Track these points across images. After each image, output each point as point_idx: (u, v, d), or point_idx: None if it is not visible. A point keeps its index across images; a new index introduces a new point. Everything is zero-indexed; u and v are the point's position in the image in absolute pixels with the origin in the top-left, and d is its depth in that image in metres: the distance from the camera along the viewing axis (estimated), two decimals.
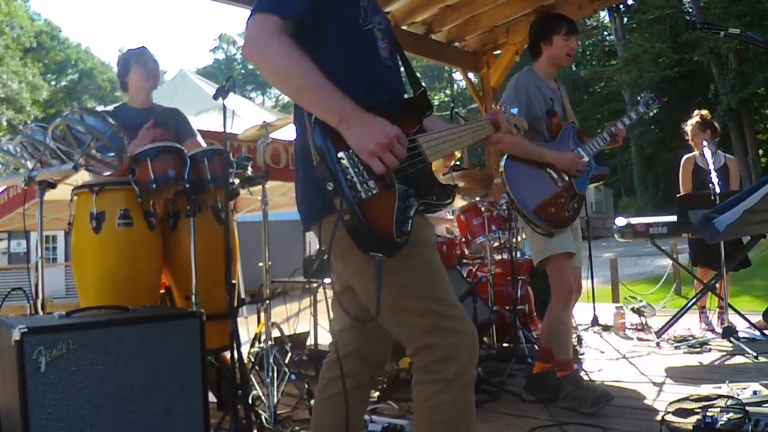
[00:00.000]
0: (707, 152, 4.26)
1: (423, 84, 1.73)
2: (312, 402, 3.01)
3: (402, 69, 1.75)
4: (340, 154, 1.38)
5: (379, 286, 1.42)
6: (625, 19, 31.12)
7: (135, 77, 3.11)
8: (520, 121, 1.97)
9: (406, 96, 1.71)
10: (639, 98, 3.20)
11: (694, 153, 4.91)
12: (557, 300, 2.91)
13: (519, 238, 4.49)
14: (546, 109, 2.93)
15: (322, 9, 1.51)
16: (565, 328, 2.92)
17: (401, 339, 1.56)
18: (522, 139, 2.79)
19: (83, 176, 2.96)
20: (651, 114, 3.58)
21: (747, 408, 2.41)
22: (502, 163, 2.91)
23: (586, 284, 3.33)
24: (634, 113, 3.11)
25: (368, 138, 1.36)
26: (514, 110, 1.98)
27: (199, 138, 3.22)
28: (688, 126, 4.86)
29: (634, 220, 4.67)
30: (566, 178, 2.86)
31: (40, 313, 2.57)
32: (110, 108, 3.30)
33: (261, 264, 3.16)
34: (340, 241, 1.44)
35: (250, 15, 1.46)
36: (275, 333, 3.14)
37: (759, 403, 2.58)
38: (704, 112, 4.91)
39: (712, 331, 4.56)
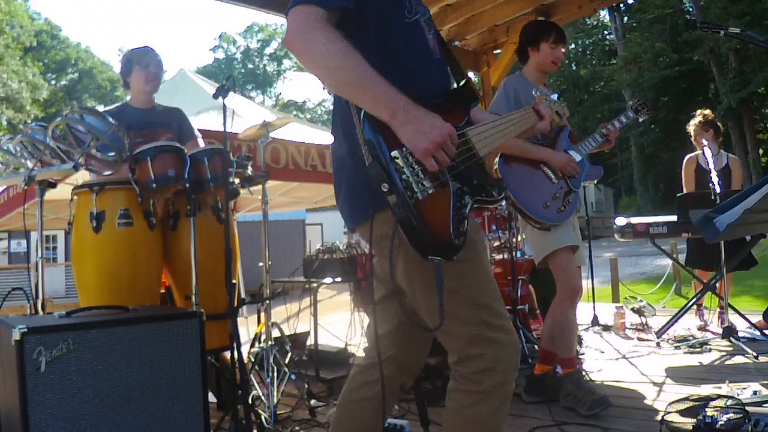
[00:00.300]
0: (707, 152, 4.25)
1: (466, 74, 1.67)
2: (312, 402, 3.02)
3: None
4: (394, 153, 1.32)
5: (441, 291, 1.35)
6: (625, 19, 31.13)
7: (136, 79, 3.10)
8: (562, 108, 1.92)
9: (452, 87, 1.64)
10: (629, 103, 3.26)
11: (696, 153, 4.89)
12: (562, 297, 2.89)
13: (519, 238, 4.48)
14: None
15: (366, 1, 1.44)
16: (570, 326, 2.90)
17: (447, 345, 1.50)
18: (518, 140, 2.80)
19: (83, 176, 2.96)
20: (640, 119, 3.57)
21: (747, 408, 2.41)
22: (496, 162, 2.93)
23: (586, 284, 3.33)
24: (624, 117, 3.17)
25: (422, 136, 1.30)
26: (554, 96, 1.95)
27: (200, 140, 3.22)
28: (691, 126, 4.85)
29: (635, 220, 4.67)
30: (560, 175, 2.88)
31: (40, 313, 2.57)
32: (112, 107, 3.30)
33: (261, 264, 3.16)
34: (385, 241, 1.38)
35: (291, 5, 1.39)
36: (275, 333, 3.14)
37: (759, 403, 2.58)
38: (707, 111, 4.89)
39: (705, 328, 4.56)
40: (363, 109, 1.35)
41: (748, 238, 4.34)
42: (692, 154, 4.95)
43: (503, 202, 4.13)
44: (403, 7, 1.51)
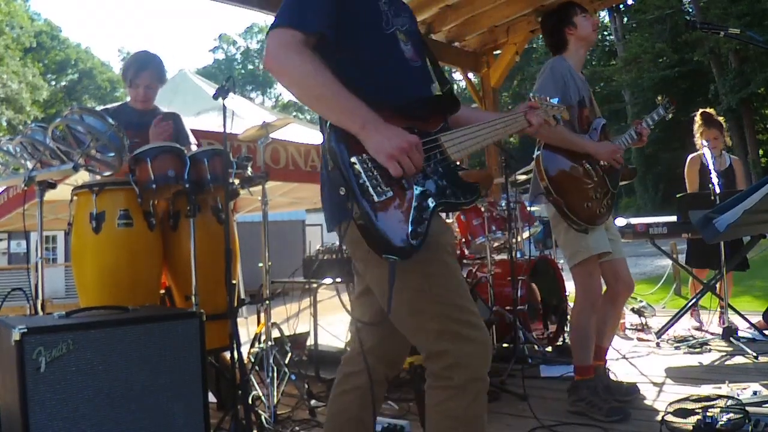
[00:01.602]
0: (707, 152, 4.25)
1: (449, 81, 1.72)
2: (312, 402, 3.02)
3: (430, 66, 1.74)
4: (353, 159, 1.40)
5: (391, 287, 1.42)
6: (625, 19, 31.10)
7: (131, 91, 3.13)
8: (561, 111, 1.92)
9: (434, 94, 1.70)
10: (657, 101, 3.17)
11: (699, 152, 4.84)
12: (586, 305, 2.79)
13: (519, 239, 4.48)
14: (578, 98, 2.84)
15: (342, 19, 1.53)
16: (591, 333, 2.81)
17: (415, 343, 1.56)
18: (562, 127, 2.68)
19: (83, 176, 2.96)
20: (668, 117, 3.52)
21: (747, 408, 2.41)
22: (538, 153, 2.78)
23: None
24: (656, 115, 3.06)
25: (387, 141, 1.38)
26: (555, 100, 1.92)
27: (194, 147, 3.20)
28: (695, 125, 4.81)
29: (634, 220, 4.66)
30: (600, 173, 2.79)
31: (40, 313, 2.57)
32: (111, 107, 3.30)
33: (261, 264, 3.16)
34: (360, 243, 1.44)
35: (271, 27, 1.48)
36: (275, 333, 3.14)
37: (759, 404, 2.58)
38: (709, 110, 4.85)
39: (700, 329, 4.56)
40: (328, 121, 1.44)
41: (747, 238, 4.35)
42: (695, 154, 4.91)
43: (502, 202, 4.15)
44: (381, 20, 1.60)
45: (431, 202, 1.46)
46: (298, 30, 1.45)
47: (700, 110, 4.85)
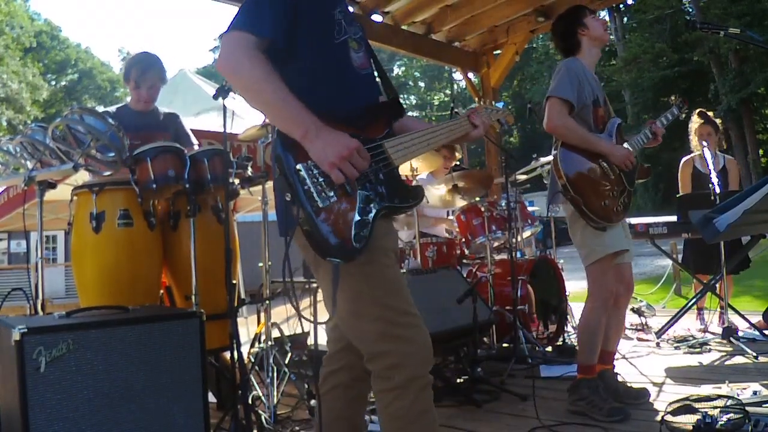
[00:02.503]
0: (707, 153, 4.24)
1: (395, 89, 1.79)
2: (312, 402, 3.02)
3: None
4: (298, 166, 1.45)
5: (335, 289, 1.47)
6: (625, 19, 31.09)
7: (135, 92, 3.14)
8: (505, 115, 1.97)
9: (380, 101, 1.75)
10: (670, 101, 3.18)
11: (692, 155, 4.88)
12: (598, 303, 2.79)
13: (519, 238, 4.48)
14: (593, 98, 2.85)
15: (296, 25, 1.56)
16: (600, 333, 2.81)
17: (357, 344, 1.60)
18: (578, 126, 2.74)
19: (83, 176, 2.96)
20: (682, 117, 3.51)
21: (747, 408, 2.41)
22: (556, 152, 2.78)
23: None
24: (670, 114, 3.08)
25: (329, 149, 1.42)
26: (500, 104, 1.98)
27: (196, 149, 3.20)
28: (690, 125, 4.81)
29: (634, 220, 4.65)
30: (617, 171, 2.80)
31: (40, 313, 2.57)
32: (111, 109, 3.30)
33: (261, 264, 3.16)
34: (307, 247, 1.49)
35: (225, 31, 1.52)
36: (275, 333, 3.14)
37: (759, 404, 2.58)
38: (705, 111, 4.84)
39: (705, 332, 4.55)
40: (277, 128, 1.49)
41: (747, 239, 4.35)
42: (688, 157, 4.92)
43: (502, 202, 4.15)
44: (333, 29, 1.64)
45: (374, 207, 1.52)
46: (251, 34, 1.49)
47: (697, 110, 4.84)
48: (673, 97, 3.23)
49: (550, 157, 3.17)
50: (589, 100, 2.83)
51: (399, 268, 1.65)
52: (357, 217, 1.47)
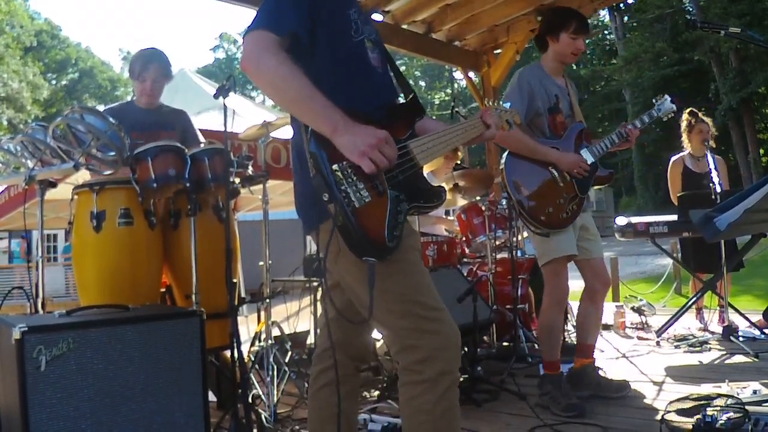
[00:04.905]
0: (709, 153, 4.25)
1: (413, 90, 1.79)
2: None
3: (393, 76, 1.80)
4: (335, 166, 1.45)
5: (372, 288, 1.48)
6: (626, 19, 31.11)
7: (138, 85, 3.13)
8: (513, 116, 1.99)
9: (399, 102, 1.76)
10: (654, 101, 3.11)
11: (682, 154, 4.88)
12: (551, 303, 2.89)
13: (519, 237, 4.48)
14: (549, 105, 2.88)
15: (315, 24, 1.57)
16: (557, 331, 2.95)
17: (385, 339, 1.62)
18: (524, 136, 2.78)
19: (84, 175, 2.96)
20: (665, 119, 3.41)
21: (747, 407, 2.41)
22: (503, 160, 2.87)
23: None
24: (647, 116, 3.04)
25: (358, 140, 1.43)
26: (507, 104, 1.99)
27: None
28: (682, 125, 4.79)
29: (635, 219, 4.66)
30: (568, 178, 2.82)
31: (41, 312, 2.57)
32: (115, 106, 3.30)
33: (261, 263, 3.16)
34: (335, 244, 1.51)
35: (247, 30, 1.53)
36: (275, 332, 3.14)
37: (759, 403, 2.58)
38: (696, 110, 4.81)
39: (706, 330, 4.56)
40: (309, 126, 1.48)
41: (746, 239, 4.35)
42: (678, 156, 4.90)
43: (503, 201, 4.15)
44: (350, 28, 1.65)
45: (404, 207, 1.55)
46: (273, 32, 1.50)
47: (688, 109, 4.82)
48: (658, 97, 3.12)
49: None
50: (544, 107, 2.87)
51: (423, 264, 1.67)
52: (389, 217, 1.49)
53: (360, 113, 1.52)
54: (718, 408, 2.47)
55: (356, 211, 1.44)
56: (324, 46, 1.60)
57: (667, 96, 3.10)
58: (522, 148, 2.80)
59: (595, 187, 3.10)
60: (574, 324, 4.49)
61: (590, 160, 2.86)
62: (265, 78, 1.49)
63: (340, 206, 1.43)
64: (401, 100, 1.78)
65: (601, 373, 3.09)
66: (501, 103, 1.99)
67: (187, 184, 2.60)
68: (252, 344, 3.20)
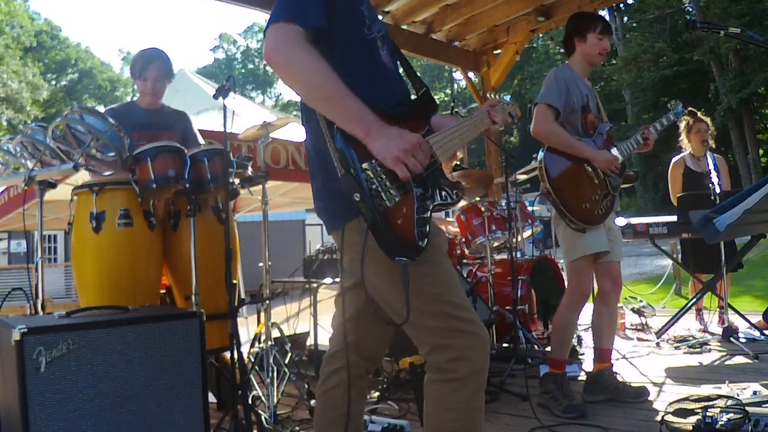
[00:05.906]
0: (709, 153, 4.25)
1: (425, 84, 1.75)
2: (312, 402, 3.02)
3: (403, 71, 1.78)
4: (365, 165, 1.42)
5: (407, 289, 1.45)
6: (625, 19, 31.09)
7: (138, 85, 3.13)
8: (514, 108, 2.01)
9: (412, 97, 1.73)
10: (669, 106, 3.23)
11: (683, 155, 4.88)
12: (571, 301, 2.91)
13: (519, 238, 4.48)
14: (582, 104, 2.94)
15: (334, 20, 1.54)
16: (571, 330, 2.95)
17: (416, 340, 1.59)
18: (563, 131, 2.83)
19: (83, 176, 2.96)
20: (679, 122, 3.52)
21: (747, 408, 2.41)
22: (541, 155, 2.89)
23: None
24: (665, 120, 3.13)
25: (393, 145, 1.40)
26: (507, 97, 2.02)
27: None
28: (681, 125, 4.79)
29: (635, 220, 4.66)
30: (602, 175, 2.87)
31: (40, 313, 2.57)
32: (117, 106, 3.30)
33: (261, 264, 3.16)
34: (355, 244, 1.48)
35: (270, 21, 1.47)
36: (275, 333, 3.14)
37: (759, 404, 2.58)
38: (695, 110, 4.80)
39: (705, 332, 4.55)
40: (334, 123, 1.43)
41: (747, 238, 4.34)
42: (679, 157, 4.91)
43: (502, 201, 4.14)
44: (363, 25, 1.63)
45: (429, 204, 1.52)
46: (300, 25, 1.44)
47: (687, 109, 4.81)
48: (672, 102, 3.26)
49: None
50: (578, 105, 2.92)
51: (451, 263, 1.65)
52: (417, 216, 1.47)
53: (384, 112, 1.48)
54: (718, 409, 2.47)
55: (387, 210, 1.42)
56: (337, 45, 1.56)
57: (680, 103, 3.24)
58: (560, 142, 2.84)
59: (624, 185, 3.13)
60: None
61: (620, 158, 2.92)
62: (296, 73, 1.43)
63: (372, 206, 1.40)
64: (413, 96, 1.75)
65: (619, 378, 3.07)
66: (502, 95, 2.01)
67: (187, 185, 2.60)
68: (252, 345, 3.20)
